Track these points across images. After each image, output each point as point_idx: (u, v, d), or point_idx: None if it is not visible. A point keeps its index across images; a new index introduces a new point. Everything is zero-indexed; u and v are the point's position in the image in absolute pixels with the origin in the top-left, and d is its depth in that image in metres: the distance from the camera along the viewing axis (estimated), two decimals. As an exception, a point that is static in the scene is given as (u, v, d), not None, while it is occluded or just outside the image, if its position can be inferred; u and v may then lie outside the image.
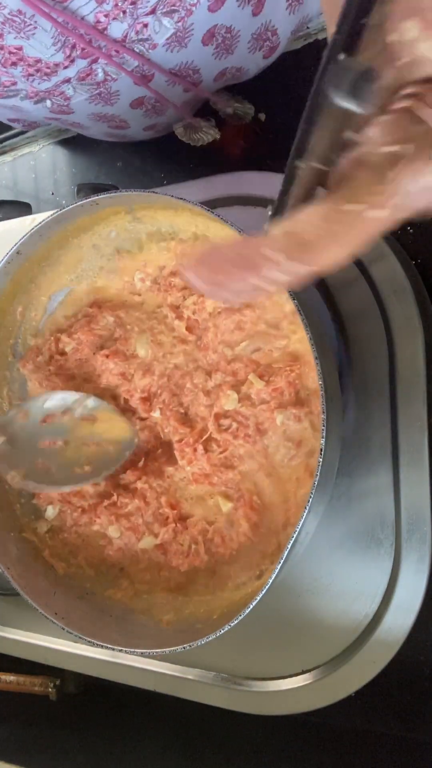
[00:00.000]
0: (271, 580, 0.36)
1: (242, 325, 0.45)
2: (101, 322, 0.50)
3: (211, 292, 0.21)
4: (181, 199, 0.40)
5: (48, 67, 0.44)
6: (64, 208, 0.44)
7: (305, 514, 0.35)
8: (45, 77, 0.45)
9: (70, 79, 0.46)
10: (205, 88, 0.53)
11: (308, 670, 0.47)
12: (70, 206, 0.43)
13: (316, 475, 0.35)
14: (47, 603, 0.43)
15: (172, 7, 0.42)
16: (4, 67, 0.44)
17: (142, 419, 0.49)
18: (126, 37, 0.43)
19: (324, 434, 0.36)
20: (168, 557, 0.47)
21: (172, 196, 0.40)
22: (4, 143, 0.76)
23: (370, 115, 0.17)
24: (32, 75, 0.45)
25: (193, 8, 0.43)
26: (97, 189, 0.53)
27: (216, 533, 0.45)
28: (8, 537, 0.48)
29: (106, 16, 0.41)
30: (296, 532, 0.35)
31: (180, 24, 0.43)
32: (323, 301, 0.50)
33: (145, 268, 0.49)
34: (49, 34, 0.41)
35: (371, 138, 0.18)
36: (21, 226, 0.60)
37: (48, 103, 0.50)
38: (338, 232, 0.18)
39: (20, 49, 0.42)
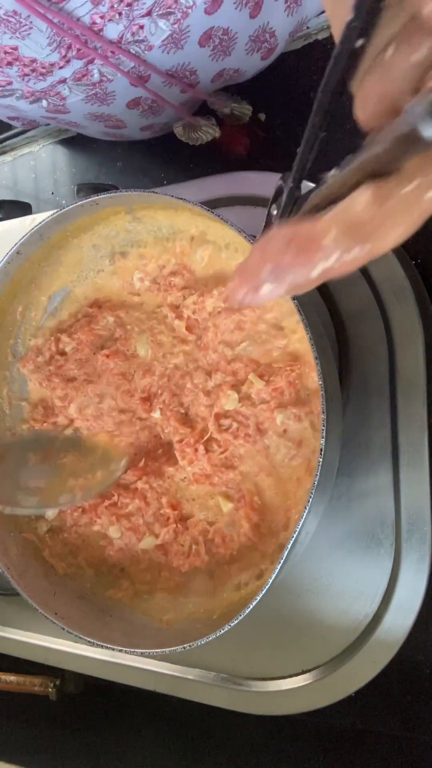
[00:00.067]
0: (271, 580, 0.36)
1: (242, 325, 0.45)
2: (101, 322, 0.50)
3: (261, 289, 0.20)
4: (181, 199, 0.40)
5: (43, 67, 0.44)
6: (64, 208, 0.44)
7: (305, 514, 0.35)
8: (40, 77, 0.45)
9: (65, 79, 0.46)
10: (203, 89, 0.53)
11: (308, 670, 0.47)
12: (70, 206, 0.43)
13: (316, 475, 0.35)
14: (47, 603, 0.43)
15: (168, 9, 0.42)
16: (0, 67, 0.44)
17: (142, 419, 0.49)
18: (122, 38, 0.43)
19: (324, 434, 0.36)
20: (168, 558, 0.47)
21: (172, 196, 0.40)
22: (4, 143, 0.76)
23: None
24: (28, 75, 0.45)
25: (190, 10, 0.43)
26: (97, 189, 0.53)
27: (216, 533, 0.45)
28: (8, 537, 0.48)
29: (101, 17, 0.41)
30: (296, 532, 0.35)
31: (176, 26, 0.43)
32: (323, 301, 0.51)
33: (145, 267, 0.49)
34: (44, 34, 0.41)
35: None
36: (21, 226, 0.60)
37: (44, 103, 0.50)
38: (394, 215, 0.18)
39: (16, 49, 0.42)
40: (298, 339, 0.43)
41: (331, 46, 0.55)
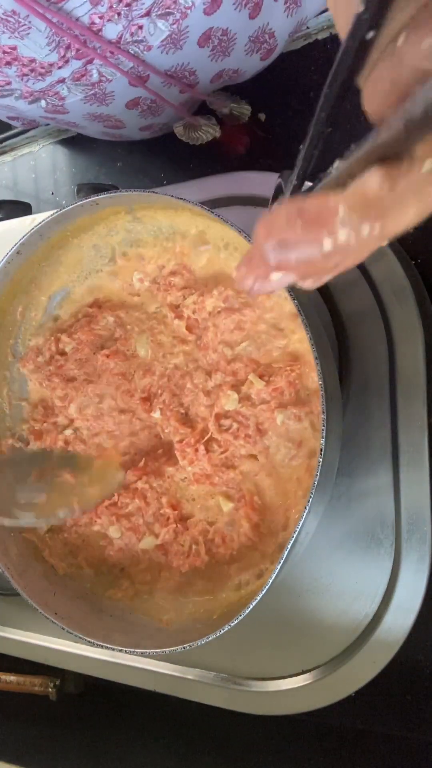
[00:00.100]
0: (271, 580, 0.36)
1: (242, 325, 0.45)
2: (101, 322, 0.50)
3: (271, 276, 0.19)
4: (181, 199, 0.40)
5: (42, 67, 0.44)
6: (64, 208, 0.44)
7: (305, 514, 0.35)
8: (39, 77, 0.45)
9: (64, 79, 0.46)
10: (202, 89, 0.53)
11: (308, 670, 0.47)
12: (70, 206, 0.43)
13: (316, 475, 0.35)
14: (47, 603, 0.43)
15: (167, 10, 0.42)
16: None
17: (142, 419, 0.49)
18: (121, 38, 0.43)
19: (324, 434, 0.36)
20: (168, 558, 0.47)
21: (172, 196, 0.40)
22: (4, 143, 0.76)
23: None
24: (27, 75, 0.45)
25: (188, 11, 0.43)
26: (97, 189, 0.53)
27: (217, 533, 0.45)
28: (8, 537, 0.48)
29: (100, 17, 0.41)
30: (296, 532, 0.35)
31: (175, 26, 0.43)
32: (323, 302, 0.51)
33: (145, 268, 0.49)
34: (43, 34, 0.41)
35: None
36: (21, 226, 0.60)
37: (43, 103, 0.50)
38: (406, 195, 0.17)
39: (14, 48, 0.42)
40: (298, 339, 0.43)
41: (331, 46, 0.55)
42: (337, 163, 0.19)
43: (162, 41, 0.44)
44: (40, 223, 0.45)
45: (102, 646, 0.41)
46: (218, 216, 0.39)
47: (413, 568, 0.44)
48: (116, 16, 0.41)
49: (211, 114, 0.59)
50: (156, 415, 0.47)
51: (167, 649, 0.39)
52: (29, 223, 0.52)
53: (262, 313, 0.44)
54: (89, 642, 0.41)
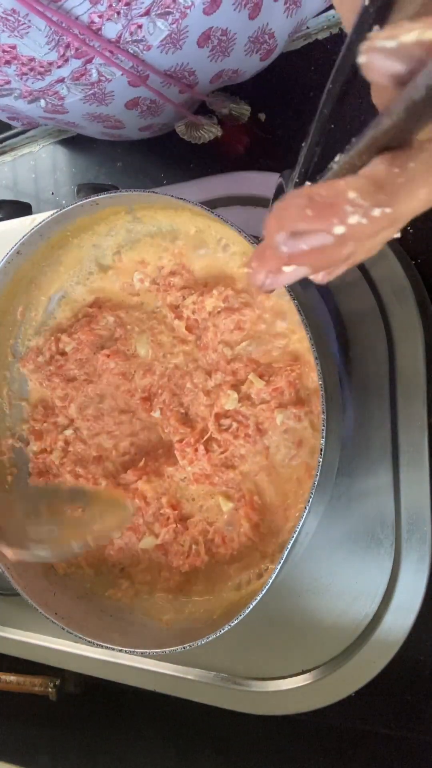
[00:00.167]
0: (271, 580, 0.36)
1: (242, 325, 0.45)
2: (101, 322, 0.50)
3: (283, 270, 0.19)
4: (181, 199, 0.40)
5: (42, 66, 0.44)
6: (64, 208, 0.44)
7: (305, 514, 0.35)
8: (39, 76, 0.45)
9: (64, 78, 0.46)
10: (201, 89, 0.53)
11: (308, 670, 0.47)
12: (70, 206, 0.43)
13: (316, 475, 0.35)
14: (47, 603, 0.43)
15: (167, 9, 0.42)
16: None
17: (142, 419, 0.49)
18: (120, 37, 0.43)
19: (324, 434, 0.36)
20: (168, 558, 0.47)
21: (172, 196, 0.40)
22: (4, 143, 0.76)
23: None
24: (26, 74, 0.45)
25: (188, 10, 0.43)
26: (97, 189, 0.53)
27: (217, 533, 0.45)
28: (8, 537, 0.48)
29: (100, 16, 0.41)
30: (296, 532, 0.35)
31: (174, 26, 0.43)
32: (323, 302, 0.50)
33: (145, 268, 0.49)
34: (43, 33, 0.41)
35: None
36: (21, 226, 0.60)
37: (42, 102, 0.50)
38: (416, 176, 0.17)
39: (14, 47, 0.42)
40: (298, 339, 0.43)
41: (331, 46, 0.55)
42: (338, 157, 0.19)
43: (161, 41, 0.44)
44: (40, 223, 0.45)
45: (102, 646, 0.41)
46: (218, 216, 0.39)
47: (413, 568, 0.44)
48: (116, 15, 0.41)
49: (211, 114, 0.59)
50: (156, 414, 0.47)
51: (167, 649, 0.39)
52: (29, 223, 0.52)
53: (262, 313, 0.44)
54: (89, 642, 0.41)
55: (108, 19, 0.41)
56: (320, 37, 0.56)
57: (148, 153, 0.66)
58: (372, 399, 0.47)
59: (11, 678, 0.62)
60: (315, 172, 0.21)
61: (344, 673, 0.46)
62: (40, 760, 0.59)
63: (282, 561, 0.35)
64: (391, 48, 0.15)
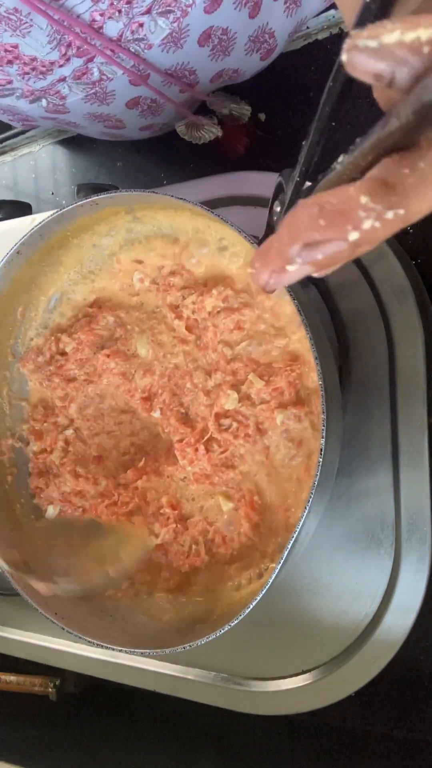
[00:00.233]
0: (271, 580, 0.36)
1: (242, 325, 0.45)
2: (101, 322, 0.50)
3: (288, 269, 0.19)
4: (181, 199, 0.40)
5: (44, 66, 0.44)
6: (64, 208, 0.44)
7: (305, 514, 0.35)
8: (40, 76, 0.45)
9: (65, 77, 0.46)
10: (202, 89, 0.53)
11: (308, 670, 0.47)
12: (70, 206, 0.43)
13: (316, 475, 0.35)
14: (47, 603, 0.43)
15: (168, 8, 0.42)
16: (0, 65, 0.44)
17: (143, 419, 0.49)
18: (121, 36, 0.43)
19: (324, 434, 0.36)
20: (168, 558, 0.47)
21: (172, 196, 0.40)
22: (4, 143, 0.76)
23: None
24: (28, 73, 0.45)
25: (189, 9, 0.43)
26: (97, 189, 0.53)
27: (217, 533, 0.45)
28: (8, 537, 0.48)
29: (101, 14, 0.41)
30: (296, 532, 0.35)
31: (176, 24, 0.43)
32: (323, 302, 0.50)
33: (145, 268, 0.49)
34: (44, 32, 0.41)
35: None
36: (21, 226, 0.60)
37: (43, 102, 0.50)
38: (427, 175, 0.17)
39: (16, 47, 0.42)
40: (298, 339, 0.43)
41: (331, 46, 0.55)
42: (342, 158, 0.19)
43: (162, 39, 0.44)
44: (40, 223, 0.45)
45: (102, 646, 0.41)
46: (218, 216, 0.39)
47: (413, 568, 0.44)
48: (117, 14, 0.41)
49: (212, 114, 0.59)
50: (156, 414, 0.47)
51: (167, 649, 0.39)
52: (29, 223, 0.52)
53: (262, 313, 0.44)
54: (89, 642, 0.41)
55: (109, 18, 0.41)
56: (320, 37, 0.56)
57: (148, 153, 0.66)
58: (372, 399, 0.47)
59: (11, 678, 0.62)
60: (316, 171, 0.21)
61: (344, 673, 0.46)
62: (40, 760, 0.59)
63: (282, 561, 0.35)
64: (373, 47, 0.15)
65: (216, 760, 0.55)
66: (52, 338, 0.51)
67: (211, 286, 0.45)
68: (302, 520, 0.35)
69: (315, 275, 0.21)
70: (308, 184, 0.21)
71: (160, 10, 0.42)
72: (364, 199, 0.17)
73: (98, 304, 0.51)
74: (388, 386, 0.47)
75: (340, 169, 0.19)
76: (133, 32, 0.43)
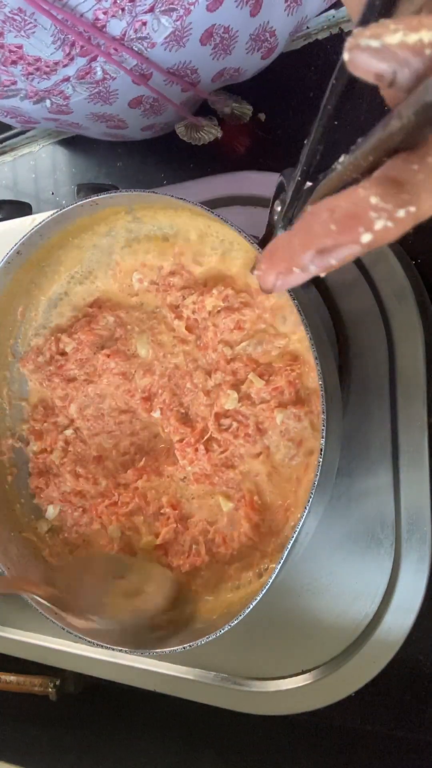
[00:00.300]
0: (271, 580, 0.36)
1: (242, 325, 0.45)
2: (101, 322, 0.50)
3: (294, 271, 0.19)
4: (181, 199, 0.40)
5: (48, 66, 0.44)
6: (64, 208, 0.44)
7: (305, 514, 0.35)
8: (45, 76, 0.45)
9: (69, 77, 0.46)
10: (203, 88, 0.53)
11: (308, 670, 0.47)
12: (70, 206, 0.43)
13: (316, 474, 0.35)
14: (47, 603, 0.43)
15: (171, 6, 0.42)
16: (4, 66, 0.44)
17: (143, 419, 0.49)
18: (125, 35, 0.43)
19: (324, 434, 0.36)
20: (169, 558, 0.47)
21: (172, 196, 0.40)
22: (4, 143, 0.76)
23: None
24: (32, 74, 0.45)
25: (192, 7, 0.43)
26: (97, 189, 0.53)
27: (217, 533, 0.45)
28: (8, 537, 0.48)
29: (104, 13, 0.41)
30: (296, 532, 0.35)
31: (178, 23, 0.43)
32: (323, 302, 0.51)
33: (144, 268, 0.49)
34: (48, 32, 0.41)
35: None
36: (21, 226, 0.60)
37: (47, 102, 0.50)
38: None
39: (20, 47, 0.42)
40: (298, 339, 0.43)
41: (331, 46, 0.55)
42: (342, 158, 0.19)
43: (166, 38, 0.44)
44: (40, 223, 0.45)
45: (102, 646, 0.41)
46: (218, 216, 0.39)
47: (413, 568, 0.44)
48: (120, 12, 0.41)
49: (212, 114, 0.59)
50: (156, 414, 0.47)
51: (167, 649, 0.39)
52: (29, 223, 0.52)
53: (262, 313, 0.44)
54: (89, 642, 0.41)
55: (113, 16, 0.41)
56: (320, 37, 0.56)
57: (148, 153, 0.66)
58: (372, 399, 0.47)
59: (11, 678, 0.62)
60: (317, 170, 0.21)
61: (344, 673, 0.46)
62: (40, 760, 0.59)
63: (282, 561, 0.35)
64: (375, 47, 0.15)
65: (216, 760, 0.55)
66: (52, 338, 0.51)
67: (211, 286, 0.45)
68: (302, 520, 0.35)
69: (320, 275, 0.20)
70: (309, 184, 0.21)
71: (163, 8, 0.42)
72: (374, 200, 0.17)
73: (98, 304, 0.51)
74: (388, 386, 0.47)
75: (341, 170, 0.19)
76: (136, 31, 0.43)
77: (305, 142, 0.21)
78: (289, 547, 0.35)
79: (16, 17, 0.39)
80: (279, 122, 0.58)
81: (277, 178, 0.30)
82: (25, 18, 0.39)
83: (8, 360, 0.52)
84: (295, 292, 0.37)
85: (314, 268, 0.19)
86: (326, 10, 0.55)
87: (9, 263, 0.47)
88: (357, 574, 0.46)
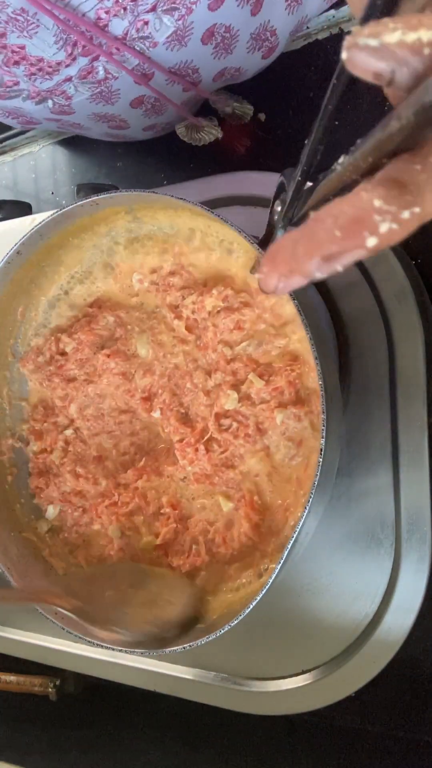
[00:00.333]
0: (271, 580, 0.36)
1: (241, 325, 0.45)
2: (101, 322, 0.50)
3: (296, 274, 0.18)
4: (181, 199, 0.40)
5: (50, 66, 0.44)
6: (64, 208, 0.44)
7: (305, 514, 0.35)
8: (47, 76, 0.45)
9: (71, 77, 0.46)
10: (204, 87, 0.53)
11: (308, 670, 0.47)
12: (70, 206, 0.43)
13: (316, 474, 0.35)
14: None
15: (173, 5, 0.42)
16: (7, 67, 0.44)
17: (143, 419, 0.49)
18: (127, 34, 0.43)
19: (324, 434, 0.36)
20: (169, 558, 0.47)
21: (172, 196, 0.40)
22: (4, 143, 0.76)
23: None
24: (35, 74, 0.45)
25: (194, 6, 0.43)
26: (97, 189, 0.53)
27: (217, 533, 0.45)
28: (8, 537, 0.48)
29: (107, 12, 0.41)
30: (296, 532, 0.35)
31: (180, 22, 0.43)
32: (323, 302, 0.51)
33: (144, 268, 0.49)
34: (51, 32, 0.41)
35: None
36: (21, 226, 0.60)
37: (50, 103, 0.50)
38: None
39: (23, 48, 0.42)
40: (298, 339, 0.43)
41: (331, 46, 0.55)
42: (342, 159, 0.19)
43: (167, 37, 0.44)
44: (40, 223, 0.45)
45: (102, 646, 0.41)
46: (218, 216, 0.39)
47: (413, 568, 0.44)
48: (122, 11, 0.41)
49: (213, 114, 0.59)
50: (156, 414, 0.47)
51: (167, 649, 0.39)
52: (29, 223, 0.52)
53: (262, 313, 0.44)
54: (89, 642, 0.41)
55: (114, 15, 0.41)
56: (320, 37, 0.56)
57: (148, 153, 0.66)
58: (372, 399, 0.47)
59: (11, 678, 0.62)
60: (317, 170, 0.21)
61: (344, 673, 0.46)
62: (40, 760, 0.59)
63: (282, 560, 0.35)
64: (373, 46, 0.15)
65: (216, 760, 0.55)
66: (52, 338, 0.51)
67: (211, 286, 0.45)
68: (302, 520, 0.35)
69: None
70: (309, 184, 0.21)
71: (165, 8, 0.42)
72: (378, 203, 0.17)
73: (98, 304, 0.51)
74: (388, 386, 0.47)
75: (340, 170, 0.19)
76: (138, 30, 0.43)
77: (306, 142, 0.21)
78: (289, 547, 0.35)
79: (18, 18, 0.39)
80: (279, 122, 0.58)
81: (277, 178, 0.30)
82: (28, 18, 0.39)
83: (8, 360, 0.52)
84: (295, 292, 0.37)
85: (320, 274, 0.18)
86: (327, 10, 0.55)
87: (9, 263, 0.47)
88: (357, 574, 0.46)
